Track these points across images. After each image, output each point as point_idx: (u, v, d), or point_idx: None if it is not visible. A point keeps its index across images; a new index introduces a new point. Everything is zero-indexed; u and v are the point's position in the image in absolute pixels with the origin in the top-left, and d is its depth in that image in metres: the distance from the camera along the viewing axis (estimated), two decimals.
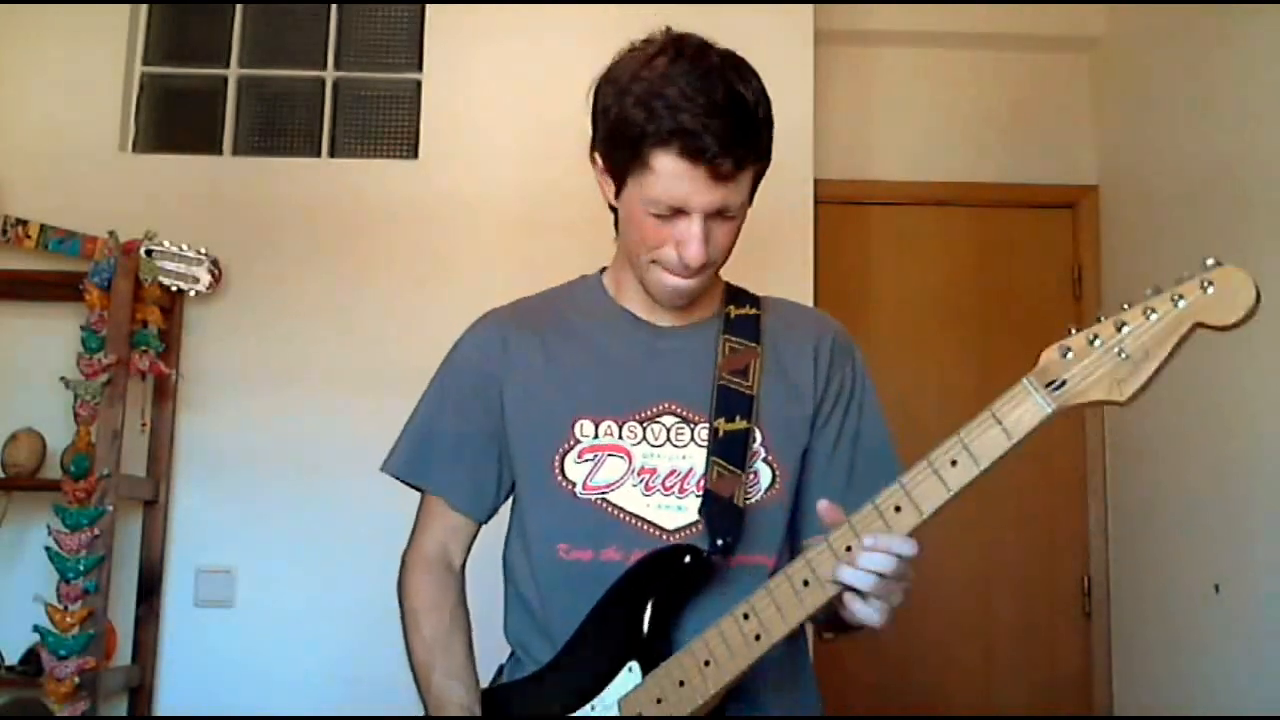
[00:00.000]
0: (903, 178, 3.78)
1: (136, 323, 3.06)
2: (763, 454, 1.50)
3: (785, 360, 1.55)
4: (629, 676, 1.37)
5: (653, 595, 1.40)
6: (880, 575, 1.26)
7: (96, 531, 2.88)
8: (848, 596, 1.28)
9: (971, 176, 3.78)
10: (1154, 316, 1.21)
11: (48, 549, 2.86)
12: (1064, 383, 1.24)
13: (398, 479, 1.60)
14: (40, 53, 3.41)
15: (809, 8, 3.45)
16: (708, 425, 1.48)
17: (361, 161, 3.49)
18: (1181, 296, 1.21)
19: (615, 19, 3.43)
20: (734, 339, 1.55)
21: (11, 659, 3.00)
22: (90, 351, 2.97)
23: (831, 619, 1.35)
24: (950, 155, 3.79)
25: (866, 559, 1.26)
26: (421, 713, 1.49)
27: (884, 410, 1.60)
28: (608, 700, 1.37)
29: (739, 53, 1.48)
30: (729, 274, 1.61)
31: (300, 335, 3.30)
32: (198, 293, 3.15)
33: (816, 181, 3.42)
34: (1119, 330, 1.22)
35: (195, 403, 3.26)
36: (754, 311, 1.58)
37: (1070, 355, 1.24)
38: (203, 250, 3.14)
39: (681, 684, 1.33)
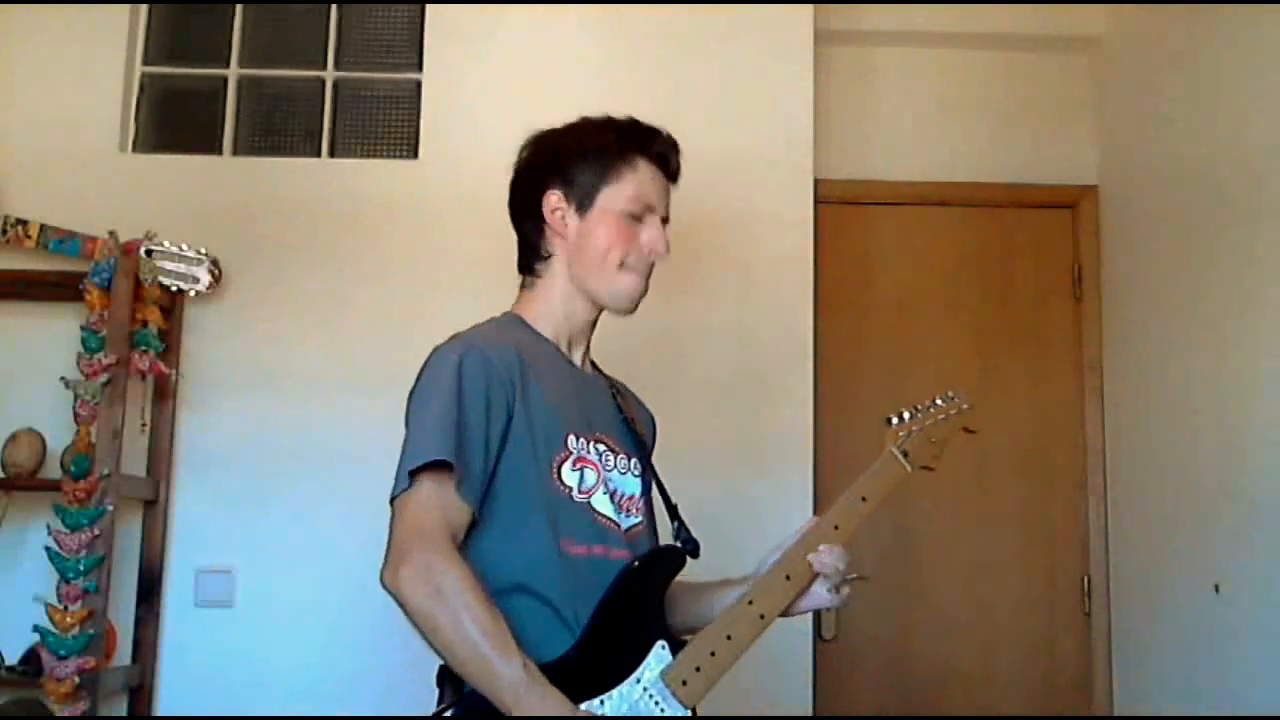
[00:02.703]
0: (903, 178, 3.78)
1: (136, 323, 3.06)
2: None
3: (638, 416, 1.93)
4: (663, 653, 1.65)
5: (661, 586, 1.73)
6: (839, 570, 1.74)
7: (96, 531, 2.88)
8: (817, 584, 1.76)
9: (971, 176, 3.77)
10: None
11: (48, 549, 2.87)
12: (906, 453, 1.81)
13: (438, 463, 1.58)
14: (40, 53, 3.41)
15: (809, 8, 3.45)
16: (627, 457, 1.80)
17: (361, 161, 3.50)
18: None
19: (615, 19, 3.45)
20: (616, 390, 1.90)
21: (11, 659, 3.00)
22: (90, 351, 2.97)
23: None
24: (950, 155, 3.78)
25: (837, 556, 1.74)
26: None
27: None
28: (650, 673, 1.63)
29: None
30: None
31: (300, 335, 3.30)
32: (198, 293, 3.15)
33: (816, 181, 3.42)
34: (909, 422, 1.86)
35: (195, 403, 3.26)
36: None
37: (895, 424, 1.85)
38: (203, 250, 3.14)
39: (713, 654, 1.67)
